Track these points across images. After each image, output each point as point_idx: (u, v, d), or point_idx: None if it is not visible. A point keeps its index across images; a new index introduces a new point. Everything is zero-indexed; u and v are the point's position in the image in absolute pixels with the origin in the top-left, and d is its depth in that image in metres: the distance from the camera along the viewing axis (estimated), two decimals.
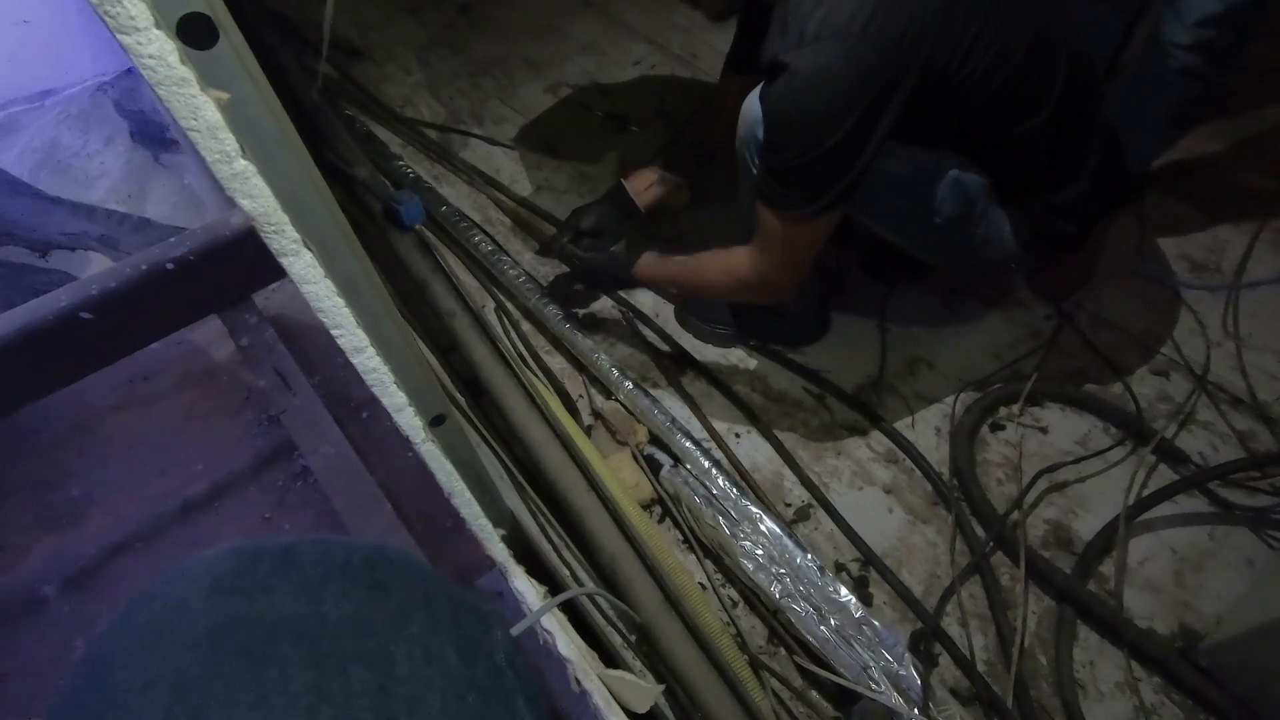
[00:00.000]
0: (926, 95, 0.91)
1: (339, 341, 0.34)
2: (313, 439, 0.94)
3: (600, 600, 1.07)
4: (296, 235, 0.28)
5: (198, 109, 0.27)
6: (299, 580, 0.27)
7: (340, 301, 0.32)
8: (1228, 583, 1.10)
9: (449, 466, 0.46)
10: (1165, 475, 1.21)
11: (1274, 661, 0.94)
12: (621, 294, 1.50)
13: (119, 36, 0.29)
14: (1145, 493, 1.17)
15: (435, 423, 0.94)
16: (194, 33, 0.50)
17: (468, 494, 0.49)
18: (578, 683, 0.57)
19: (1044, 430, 1.28)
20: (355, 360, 0.35)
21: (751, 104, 1.02)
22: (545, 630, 0.59)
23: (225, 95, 0.25)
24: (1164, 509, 1.16)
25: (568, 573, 1.15)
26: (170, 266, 0.89)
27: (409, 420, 0.40)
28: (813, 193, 0.94)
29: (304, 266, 0.30)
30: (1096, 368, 1.36)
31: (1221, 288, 1.43)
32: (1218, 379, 1.32)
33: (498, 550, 0.57)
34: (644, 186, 1.41)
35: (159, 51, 0.30)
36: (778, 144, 0.94)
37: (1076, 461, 1.23)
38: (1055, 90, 0.97)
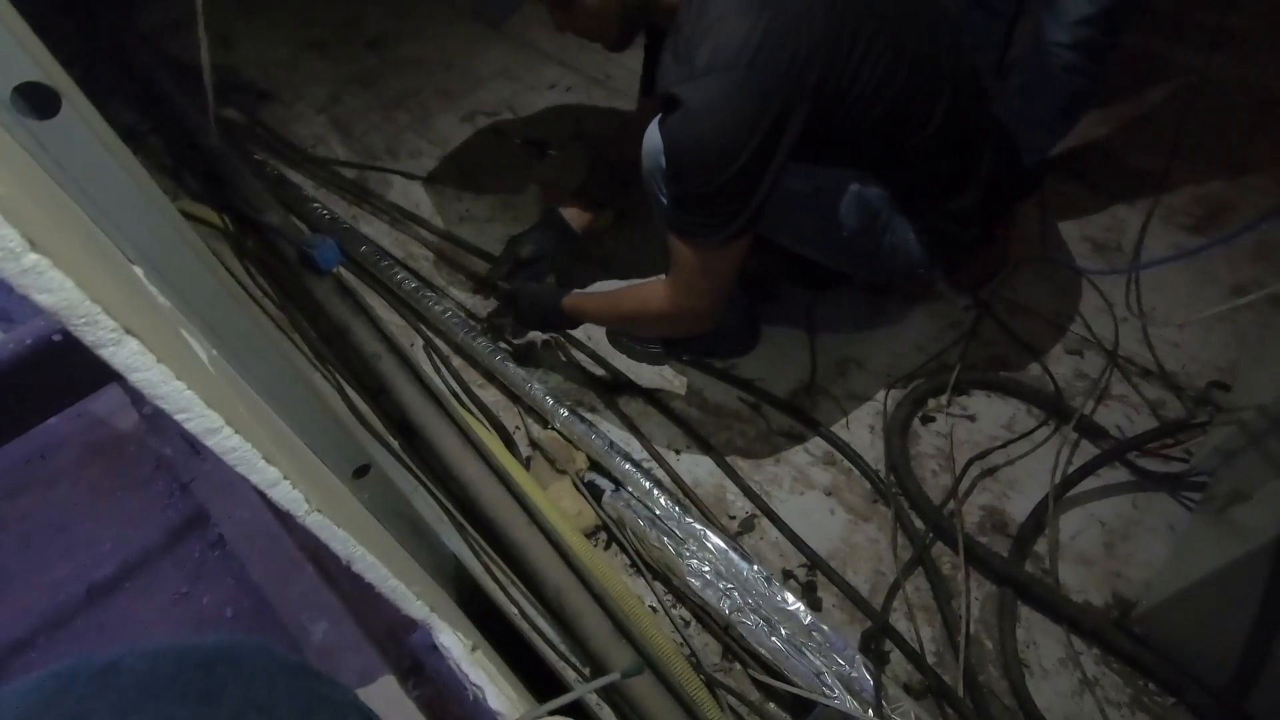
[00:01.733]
0: (820, 117, 0.93)
1: (186, 426, 0.32)
2: (226, 505, 0.90)
3: (555, 641, 1.05)
4: (113, 324, 0.27)
5: None
6: (115, 704, 0.25)
7: (180, 385, 0.30)
8: (1154, 549, 1.14)
9: (343, 533, 0.44)
10: (1088, 451, 1.25)
11: (1199, 621, 0.98)
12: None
13: None
14: (1070, 470, 1.22)
15: (359, 474, 0.91)
16: (33, 102, 0.48)
17: (370, 558, 0.47)
18: None
19: (972, 418, 1.32)
20: (210, 443, 0.33)
21: (652, 135, 1.03)
22: (475, 685, 0.58)
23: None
24: (1089, 483, 1.20)
25: (515, 610, 1.12)
26: (58, 338, 0.84)
27: (286, 494, 0.38)
28: (719, 221, 0.95)
29: (129, 356, 0.28)
30: (1016, 352, 1.41)
31: (1121, 270, 1.50)
32: (1127, 353, 1.38)
33: (416, 608, 0.55)
34: (577, 211, 1.41)
35: None
36: (679, 176, 0.95)
37: (1004, 446, 1.27)
38: (941, 104, 1.01)
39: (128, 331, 0.28)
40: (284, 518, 0.95)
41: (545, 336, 1.44)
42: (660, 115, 0.97)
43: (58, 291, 0.25)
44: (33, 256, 0.24)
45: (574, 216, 1.42)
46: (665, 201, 1.05)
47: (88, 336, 0.27)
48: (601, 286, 1.35)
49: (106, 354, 0.27)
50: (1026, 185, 1.56)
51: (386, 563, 0.50)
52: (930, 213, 1.12)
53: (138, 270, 0.53)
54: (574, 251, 1.46)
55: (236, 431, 0.34)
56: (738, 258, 1.02)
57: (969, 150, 1.11)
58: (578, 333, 1.47)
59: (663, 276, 1.09)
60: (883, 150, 1.03)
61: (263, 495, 0.54)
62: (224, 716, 0.26)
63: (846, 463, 1.27)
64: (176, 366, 0.31)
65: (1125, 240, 1.58)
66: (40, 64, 0.45)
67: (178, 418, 0.31)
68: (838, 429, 1.31)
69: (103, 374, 1.03)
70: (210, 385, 0.35)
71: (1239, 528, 0.98)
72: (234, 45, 2.29)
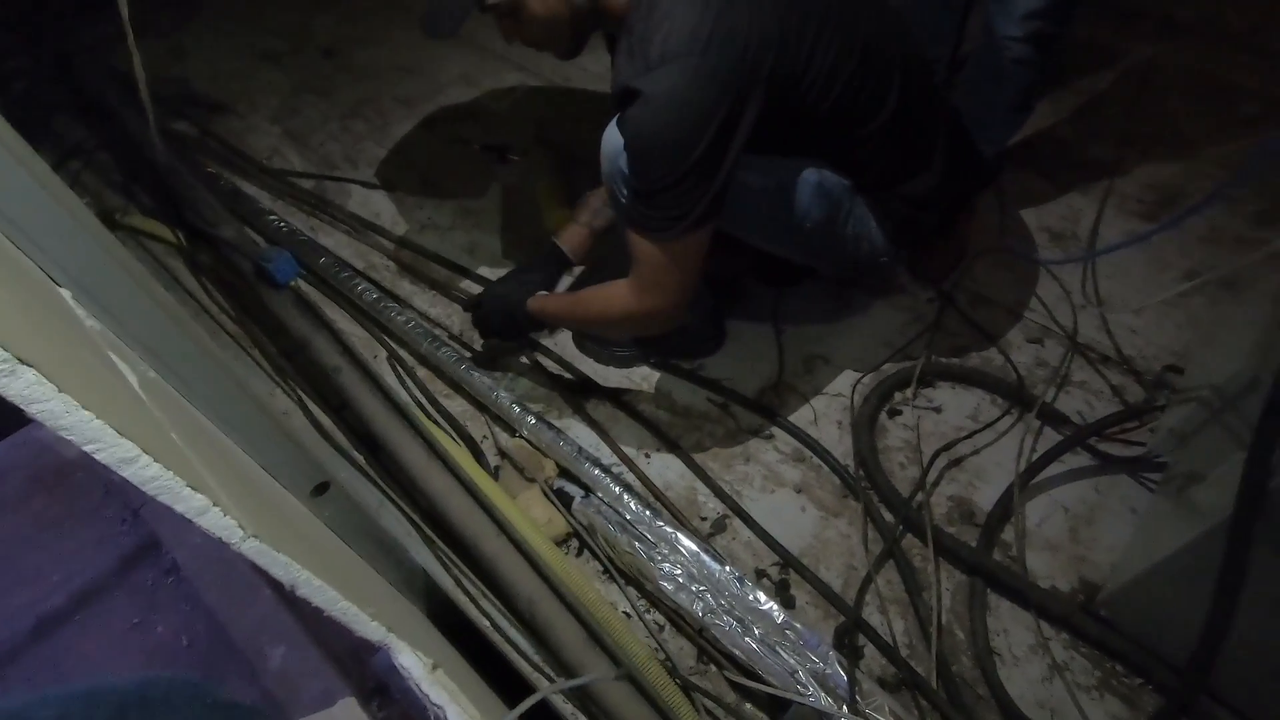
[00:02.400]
0: (776, 104, 0.94)
1: (97, 457, 0.30)
2: (178, 530, 0.87)
3: (529, 652, 1.04)
4: (3, 354, 0.25)
5: None
6: None
7: (86, 415, 0.29)
8: (1117, 532, 1.16)
9: (284, 558, 0.43)
10: (1051, 437, 1.27)
11: (1162, 601, 1.00)
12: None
13: None
14: (1034, 457, 1.23)
15: (318, 491, 0.89)
16: None
17: (315, 581, 0.46)
18: None
19: (938, 410, 1.33)
20: (126, 473, 0.32)
21: (610, 136, 1.03)
22: (436, 705, 0.56)
23: None
24: (1053, 470, 1.22)
25: (487, 623, 1.11)
26: None
27: (217, 522, 0.37)
28: (680, 212, 0.95)
29: (24, 387, 0.26)
30: (979, 342, 1.42)
31: (1076, 258, 1.52)
32: (1086, 340, 1.41)
33: (371, 630, 0.54)
34: (578, 242, 1.38)
35: None
36: (643, 169, 0.95)
37: (969, 436, 1.28)
38: (893, 89, 1.02)
39: (21, 361, 0.26)
40: None
41: (512, 343, 1.43)
42: (618, 113, 0.97)
43: None
44: None
45: (575, 247, 1.38)
46: (624, 201, 1.04)
47: None
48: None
49: (1, 385, 0.26)
50: (984, 176, 1.58)
51: (338, 584, 0.49)
52: (890, 199, 1.14)
53: (64, 293, 0.51)
54: (569, 273, 1.45)
55: (156, 460, 0.32)
56: (701, 250, 1.02)
57: (924, 135, 1.12)
58: (544, 338, 1.46)
59: (623, 281, 1.08)
60: (839, 136, 1.04)
61: None
62: None
63: (816, 459, 1.28)
64: (85, 396, 0.29)
65: (1081, 229, 1.61)
66: None
67: (87, 449, 0.30)
68: (806, 426, 1.32)
69: None
70: (129, 413, 0.34)
71: (1196, 508, 0.99)
72: (185, 56, 2.24)
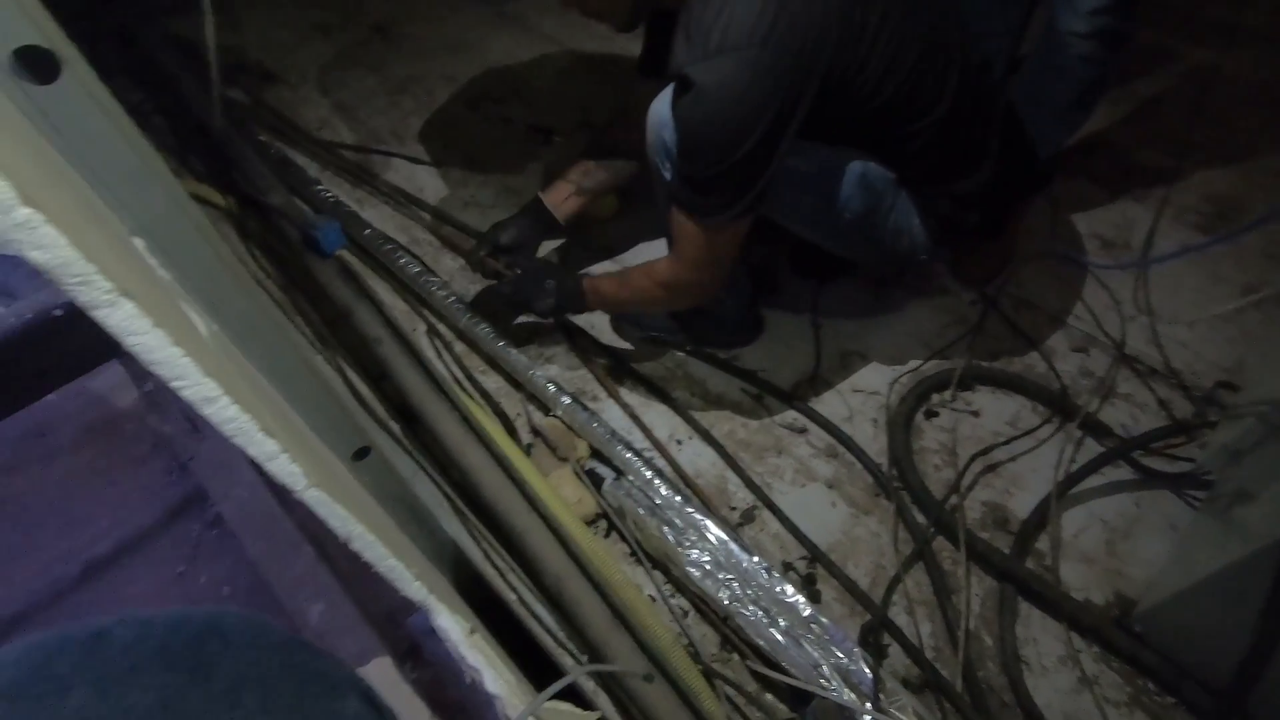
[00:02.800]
0: (828, 97, 0.93)
1: (182, 394, 0.31)
2: (225, 484, 0.89)
3: (554, 629, 1.05)
4: (108, 285, 0.26)
5: None
6: (101, 673, 0.24)
7: (177, 351, 0.29)
8: (1155, 548, 1.14)
9: (342, 510, 0.44)
10: (1092, 448, 1.25)
11: (1200, 620, 0.98)
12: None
13: None
14: (1074, 467, 1.21)
15: (359, 455, 0.90)
16: (32, 67, 0.47)
17: (369, 536, 0.47)
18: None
19: (976, 413, 1.31)
20: (207, 413, 0.32)
21: (658, 109, 1.03)
22: (472, 668, 0.57)
23: None
24: (1092, 481, 1.20)
25: (514, 597, 1.12)
26: (59, 312, 0.83)
27: (284, 468, 0.38)
28: (727, 199, 0.95)
29: (124, 318, 0.27)
30: (1021, 348, 1.40)
31: (1130, 265, 1.49)
32: (1134, 351, 1.37)
33: (414, 590, 0.55)
34: (561, 199, 1.39)
35: None
36: (691, 154, 0.95)
37: (1008, 442, 1.26)
38: (950, 88, 1.00)
39: (124, 293, 0.27)
40: (283, 498, 0.94)
41: (546, 321, 1.42)
42: (671, 94, 0.97)
43: (51, 248, 0.24)
44: (25, 211, 0.23)
45: (558, 205, 1.39)
46: (669, 178, 1.04)
47: (82, 296, 0.26)
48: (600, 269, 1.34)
49: (101, 315, 0.27)
50: (1037, 178, 1.55)
51: (386, 542, 0.50)
52: (935, 196, 1.12)
53: (138, 242, 0.53)
54: (565, 240, 1.45)
55: (234, 402, 0.33)
56: (741, 234, 1.03)
57: (978, 134, 1.10)
58: (581, 320, 1.46)
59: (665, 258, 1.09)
60: (890, 131, 1.03)
61: (261, 474, 0.53)
62: (215, 690, 0.25)
63: (849, 455, 1.27)
64: (174, 333, 0.30)
65: (1134, 237, 1.57)
66: (41, 28, 0.44)
67: (174, 385, 0.30)
68: (840, 421, 1.30)
69: (103, 351, 1.03)
70: (209, 356, 0.34)
71: (1243, 528, 0.97)
72: (240, 26, 2.28)
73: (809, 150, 1.03)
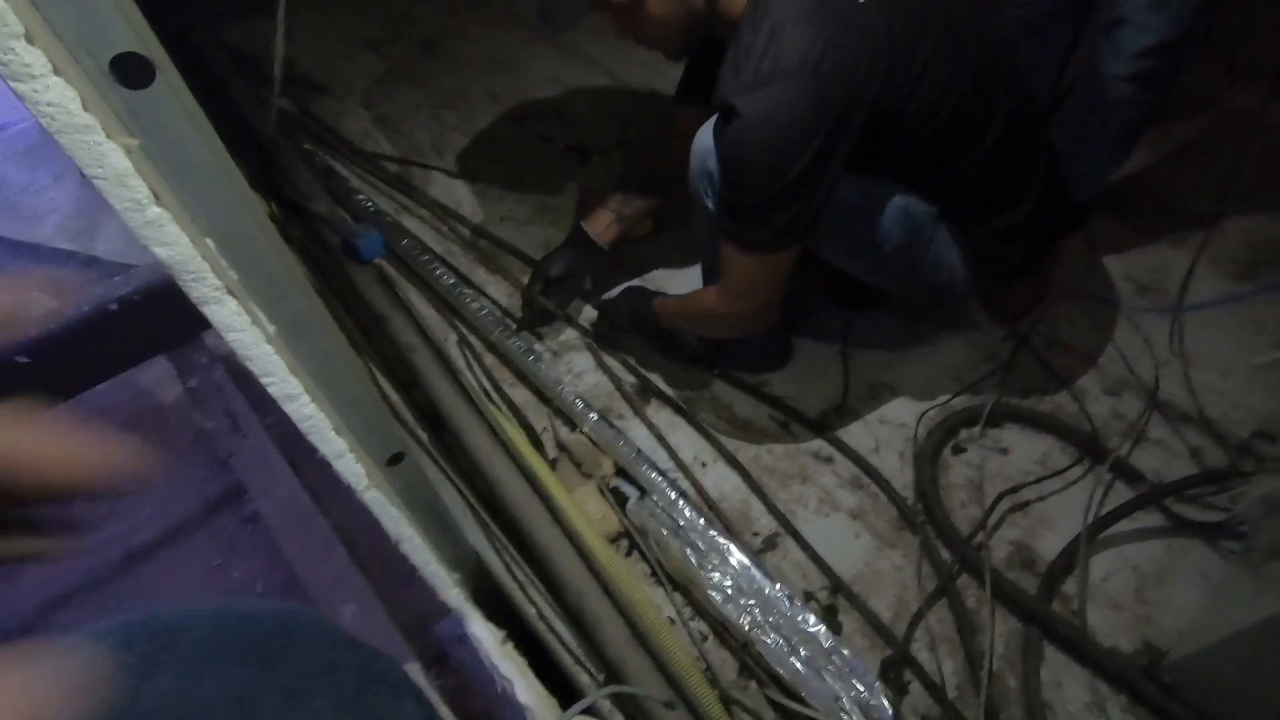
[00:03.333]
0: (875, 128, 0.94)
1: (269, 390, 0.32)
2: (263, 482, 0.91)
3: (571, 645, 1.05)
4: (217, 283, 0.27)
5: (103, 156, 0.27)
6: (180, 661, 0.25)
7: (269, 349, 0.31)
8: (1186, 597, 1.11)
9: (396, 512, 0.45)
10: (1122, 492, 1.23)
11: (1233, 675, 0.95)
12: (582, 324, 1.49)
13: (12, 84, 0.28)
14: (1104, 511, 1.19)
15: (393, 461, 0.92)
16: (128, 72, 0.49)
17: (418, 539, 0.48)
18: None
19: (1004, 451, 1.30)
20: (288, 408, 0.34)
21: (702, 139, 1.04)
22: (504, 678, 0.58)
23: (134, 141, 0.24)
24: (1122, 526, 1.18)
25: (534, 611, 1.12)
26: (114, 307, 0.86)
27: (349, 467, 0.39)
28: (773, 230, 0.95)
29: (227, 315, 0.29)
30: (1052, 388, 1.39)
31: (1166, 309, 1.47)
32: (1167, 397, 1.36)
33: (452, 596, 0.55)
34: (603, 226, 1.41)
35: (58, 99, 0.29)
36: (735, 184, 0.95)
37: (1037, 481, 1.24)
38: (998, 123, 1.01)
39: (228, 291, 0.28)
40: (319, 499, 0.96)
41: (578, 336, 1.44)
42: (716, 123, 0.98)
43: (174, 245, 0.25)
44: (155, 210, 0.24)
45: (601, 232, 1.42)
46: (713, 207, 1.05)
47: (194, 292, 0.27)
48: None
49: (209, 311, 0.28)
50: (1077, 218, 1.54)
51: (432, 547, 0.51)
52: (976, 230, 1.12)
53: (209, 242, 0.55)
54: (603, 265, 1.47)
55: (313, 400, 0.34)
56: (789, 264, 1.03)
57: (1023, 168, 1.11)
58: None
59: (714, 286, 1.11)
60: (935, 164, 1.03)
61: (299, 475, 0.54)
62: (284, 681, 0.26)
63: (874, 487, 1.26)
64: (262, 332, 0.31)
65: (1170, 282, 1.55)
66: (139, 35, 0.47)
67: (263, 380, 0.32)
68: (867, 453, 1.30)
69: (152, 346, 1.06)
70: (288, 354, 0.36)
71: (1278, 583, 0.95)
72: (292, 37, 2.34)
73: (852, 181, 1.04)
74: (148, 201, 0.24)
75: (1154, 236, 1.63)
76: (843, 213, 1.08)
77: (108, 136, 0.27)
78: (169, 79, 0.51)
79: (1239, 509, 1.11)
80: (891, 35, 0.91)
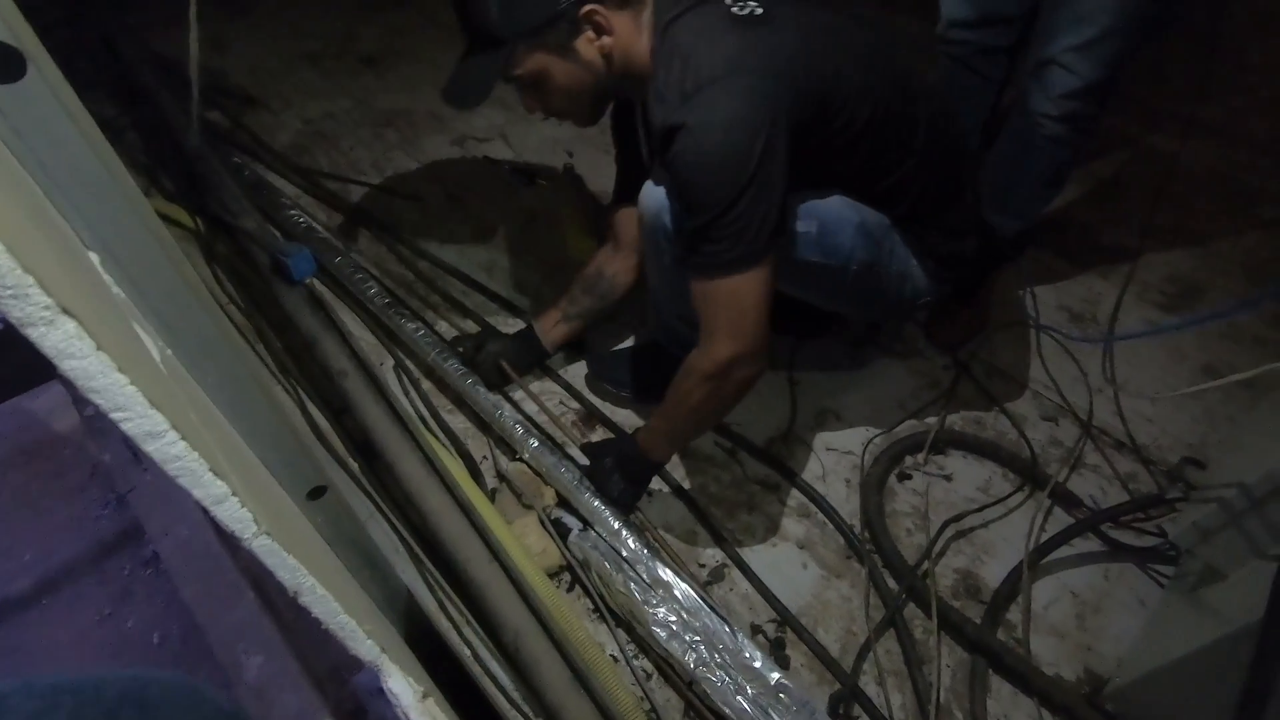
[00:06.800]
0: (809, 130, 0.94)
1: (122, 427, 0.28)
2: (165, 520, 0.83)
3: (509, 688, 0.99)
4: (47, 300, 0.23)
5: None
6: None
7: (121, 379, 0.26)
8: (1125, 623, 1.13)
9: (293, 561, 0.40)
10: (1061, 518, 1.24)
11: (1173, 702, 0.96)
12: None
13: None
14: (1044, 537, 1.20)
15: (314, 494, 0.85)
16: None
17: (320, 590, 0.43)
18: None
19: (948, 478, 1.30)
20: (149, 449, 0.29)
21: (649, 194, 1.06)
22: None
23: None
24: (1062, 552, 1.19)
25: (469, 652, 1.06)
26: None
27: (233, 513, 0.34)
28: (742, 238, 0.92)
29: (61, 339, 0.24)
30: (993, 415, 1.40)
31: (1097, 340, 1.52)
32: (1101, 424, 1.39)
33: (366, 649, 0.50)
34: (550, 326, 1.36)
35: None
36: (699, 198, 0.92)
37: (980, 509, 1.25)
38: (921, 127, 1.04)
39: (64, 311, 0.24)
40: (228, 539, 0.88)
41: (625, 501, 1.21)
42: (662, 154, 0.96)
43: None
44: None
45: (547, 330, 1.36)
46: (676, 249, 1.03)
47: (14, 312, 0.22)
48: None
49: (35, 335, 0.23)
50: (1010, 249, 1.58)
51: (338, 596, 0.46)
52: (926, 232, 1.14)
53: (93, 256, 0.49)
54: (540, 362, 1.43)
55: (183, 438, 0.30)
56: (767, 284, 0.97)
57: (956, 163, 1.14)
58: (555, 364, 1.44)
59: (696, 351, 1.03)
60: (873, 163, 1.05)
61: (205, 513, 0.49)
62: None
63: (821, 516, 1.24)
64: (120, 358, 0.27)
65: (1100, 311, 1.61)
66: (9, 22, 0.42)
67: (114, 416, 0.27)
68: (814, 480, 1.29)
69: (46, 370, 0.96)
70: (159, 384, 0.31)
71: (1214, 609, 0.96)
72: (226, 50, 2.26)
73: (799, 206, 1.04)
74: None
75: (1083, 268, 1.69)
76: (804, 248, 1.07)
77: None
78: (45, 75, 0.46)
79: (1173, 534, 1.13)
80: (801, 40, 0.94)
